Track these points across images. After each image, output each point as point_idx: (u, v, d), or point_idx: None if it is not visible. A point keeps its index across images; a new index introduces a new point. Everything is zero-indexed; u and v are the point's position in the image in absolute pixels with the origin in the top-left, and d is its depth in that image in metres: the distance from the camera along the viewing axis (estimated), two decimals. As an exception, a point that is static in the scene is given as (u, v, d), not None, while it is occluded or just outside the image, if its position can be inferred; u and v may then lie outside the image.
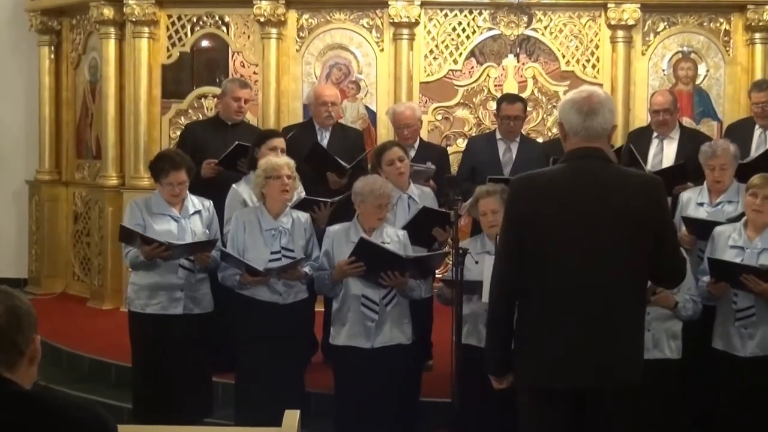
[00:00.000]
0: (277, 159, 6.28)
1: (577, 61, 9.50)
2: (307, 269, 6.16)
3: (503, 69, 9.72)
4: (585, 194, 4.00)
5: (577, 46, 9.50)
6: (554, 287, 3.99)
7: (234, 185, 6.77)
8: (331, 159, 7.14)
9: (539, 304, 4.03)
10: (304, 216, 6.31)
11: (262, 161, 6.31)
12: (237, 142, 7.06)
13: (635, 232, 3.97)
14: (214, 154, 7.25)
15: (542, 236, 4.00)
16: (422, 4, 9.40)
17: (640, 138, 7.79)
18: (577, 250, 3.96)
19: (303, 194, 6.74)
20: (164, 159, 6.39)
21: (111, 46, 9.82)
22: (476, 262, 5.71)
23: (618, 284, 4.00)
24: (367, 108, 9.54)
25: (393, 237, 6.04)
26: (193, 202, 6.40)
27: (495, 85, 9.65)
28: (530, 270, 4.02)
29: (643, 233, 3.99)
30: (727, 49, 9.44)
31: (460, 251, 5.52)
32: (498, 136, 7.82)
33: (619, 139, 8.14)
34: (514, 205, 4.15)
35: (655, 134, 7.75)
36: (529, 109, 9.33)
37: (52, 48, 10.70)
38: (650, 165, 7.49)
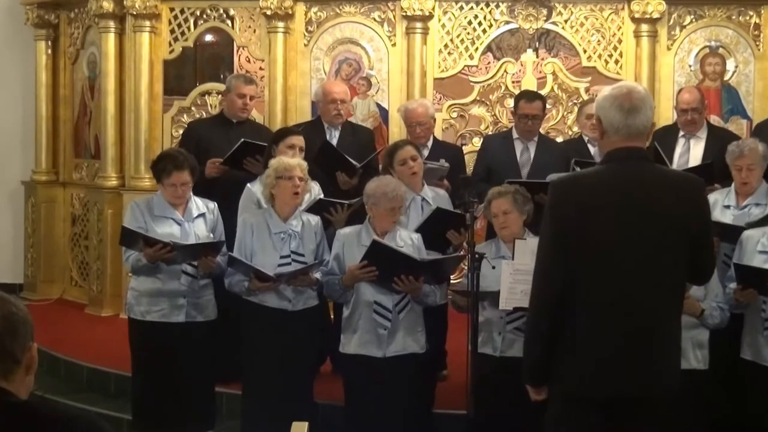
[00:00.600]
0: (289, 159, 6.28)
1: (599, 57, 9.48)
2: (318, 275, 6.15)
3: (521, 64, 9.70)
4: (631, 198, 4.02)
5: (599, 41, 9.48)
6: (600, 294, 4.02)
7: (249, 185, 6.76)
8: (342, 158, 7.14)
9: (584, 311, 4.04)
10: (314, 219, 6.31)
11: (273, 160, 6.31)
12: (242, 140, 7.06)
13: (680, 237, 4.03)
14: (219, 153, 7.26)
15: (588, 242, 4.02)
16: (436, -3, 9.41)
17: (666, 137, 7.77)
18: (624, 256, 4.00)
19: (321, 195, 6.75)
20: (166, 158, 6.39)
21: (110, 40, 9.83)
22: (493, 267, 5.71)
23: (664, 291, 4.06)
24: (378, 105, 9.54)
25: (407, 240, 6.04)
26: (197, 204, 6.41)
27: (513, 82, 9.63)
28: (575, 276, 4.03)
29: (687, 236, 4.04)
30: (757, 43, 9.41)
31: (476, 256, 5.52)
32: (515, 135, 7.79)
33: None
34: (557, 209, 4.13)
35: (681, 133, 7.73)
36: (548, 106, 9.31)
37: (49, 43, 10.71)
38: (676, 165, 7.48)
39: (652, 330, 4.03)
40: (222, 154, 7.20)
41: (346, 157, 7.13)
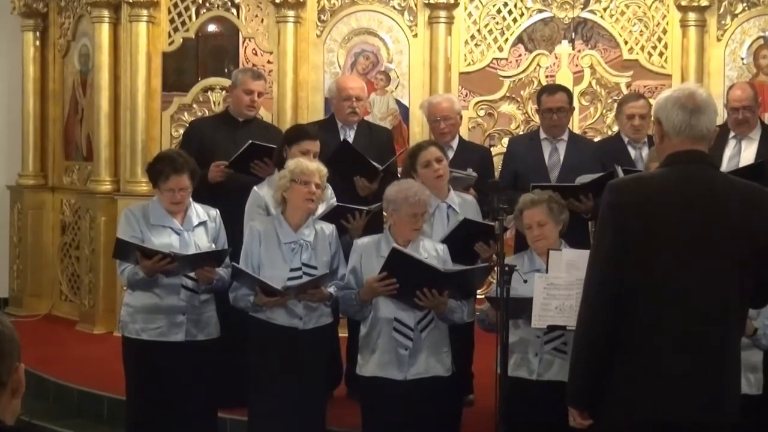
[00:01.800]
0: (309, 163, 6.25)
1: (642, 48, 9.46)
2: (332, 290, 6.13)
3: (556, 57, 9.70)
4: (697, 203, 4.05)
5: (641, 31, 9.46)
6: (661, 308, 4.03)
7: (255, 188, 6.74)
8: (362, 160, 7.10)
9: (644, 324, 4.05)
10: (328, 228, 6.29)
11: (291, 162, 6.29)
12: (250, 141, 7.05)
13: (747, 250, 4.04)
14: (223, 155, 7.25)
15: (652, 252, 4.04)
16: (462, -18, 9.40)
17: (715, 138, 7.73)
18: (691, 265, 4.01)
19: (334, 200, 6.73)
20: (164, 160, 6.39)
21: (104, 31, 9.84)
22: (525, 281, 5.68)
23: (728, 308, 4.07)
24: (398, 102, 9.54)
25: (431, 251, 6.02)
26: (197, 211, 6.39)
27: (546, 76, 9.61)
28: (634, 286, 4.05)
29: (753, 251, 4.05)
30: (817, 34, 9.40)
31: (506, 268, 5.48)
32: (542, 135, 7.79)
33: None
34: (619, 211, 4.12)
35: (732, 134, 7.69)
36: (586, 103, 9.34)
37: (38, 34, 10.74)
38: (725, 169, 7.41)
39: (720, 349, 4.04)
40: (227, 156, 7.20)
41: (366, 159, 7.10)
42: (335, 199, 6.77)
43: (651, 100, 7.87)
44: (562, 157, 7.67)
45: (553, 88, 7.98)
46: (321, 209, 6.55)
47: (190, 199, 6.37)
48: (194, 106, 9.73)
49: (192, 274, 6.24)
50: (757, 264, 4.07)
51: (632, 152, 7.72)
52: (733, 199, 4.08)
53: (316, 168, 6.20)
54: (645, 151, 7.66)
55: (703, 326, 4.00)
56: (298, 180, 6.12)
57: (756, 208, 4.10)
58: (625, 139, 7.81)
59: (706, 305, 4.01)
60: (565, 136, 7.76)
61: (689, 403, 4.02)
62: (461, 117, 7.93)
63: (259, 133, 7.44)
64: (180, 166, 6.24)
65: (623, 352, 4.07)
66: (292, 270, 6.10)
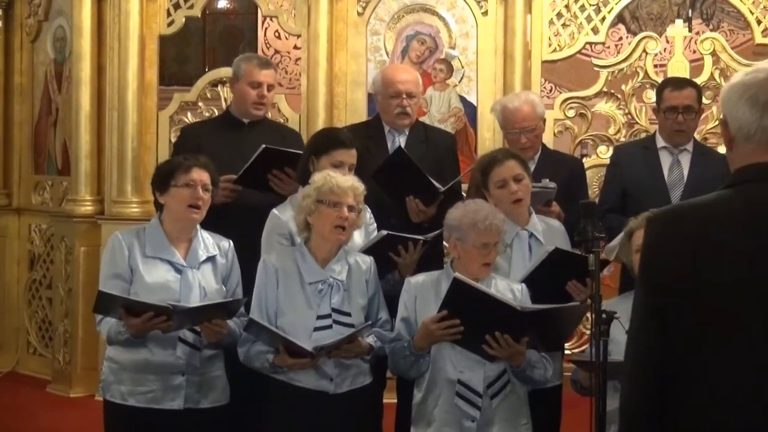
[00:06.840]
0: (340, 178, 6.15)
1: (781, 30, 9.40)
2: (371, 340, 6.06)
3: (667, 41, 9.66)
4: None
5: (779, 7, 9.40)
6: (723, 384, 3.73)
7: (275, 210, 6.67)
8: (418, 175, 7.03)
9: (697, 410, 3.79)
10: (365, 262, 6.22)
11: (317, 176, 6.20)
12: (263, 146, 7.01)
13: None
14: (228, 169, 7.13)
15: (706, 307, 3.76)
16: (546, -54, 9.37)
17: None
18: (760, 330, 3.71)
19: (373, 227, 6.70)
20: (176, 160, 6.30)
21: (86, 8, 9.91)
22: (627, 332, 5.55)
23: None
24: (462, 100, 9.54)
25: (505, 292, 5.96)
26: (205, 243, 6.28)
27: (655, 66, 9.58)
28: (684, 360, 3.79)
29: None
30: None
31: (604, 316, 5.36)
32: (659, 143, 7.73)
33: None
34: (655, 256, 3.86)
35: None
36: (706, 101, 9.20)
37: (0, 13, 10.81)
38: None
39: None
40: (232, 170, 7.09)
41: (425, 176, 7.03)
42: (375, 225, 6.74)
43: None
44: (686, 173, 7.62)
45: (681, 83, 7.92)
46: (358, 239, 6.53)
47: (198, 227, 6.26)
48: (200, 104, 9.78)
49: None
50: None
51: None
52: None
53: (350, 185, 6.09)
54: None
55: None
56: (325, 201, 6.02)
57: None
58: None
59: None
60: (690, 146, 7.69)
61: None
62: (545, 122, 7.83)
63: (272, 137, 7.41)
64: (199, 162, 6.18)
65: None
66: (319, 317, 6.00)
